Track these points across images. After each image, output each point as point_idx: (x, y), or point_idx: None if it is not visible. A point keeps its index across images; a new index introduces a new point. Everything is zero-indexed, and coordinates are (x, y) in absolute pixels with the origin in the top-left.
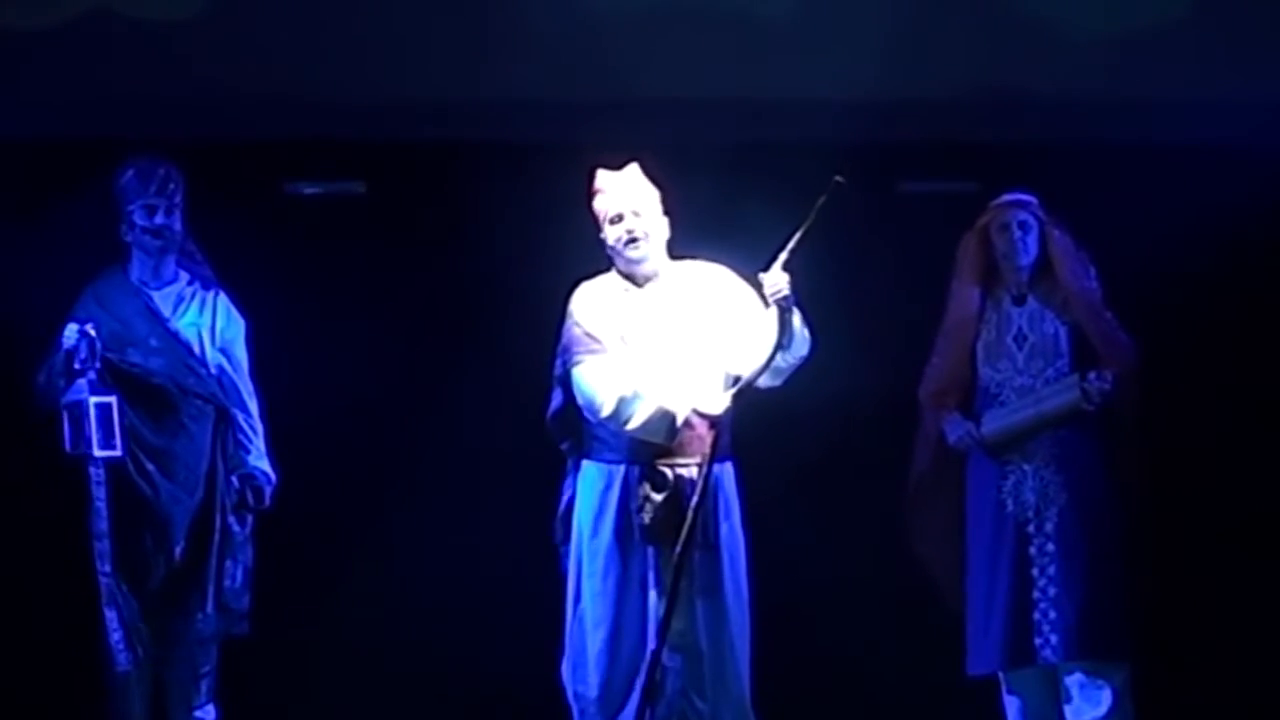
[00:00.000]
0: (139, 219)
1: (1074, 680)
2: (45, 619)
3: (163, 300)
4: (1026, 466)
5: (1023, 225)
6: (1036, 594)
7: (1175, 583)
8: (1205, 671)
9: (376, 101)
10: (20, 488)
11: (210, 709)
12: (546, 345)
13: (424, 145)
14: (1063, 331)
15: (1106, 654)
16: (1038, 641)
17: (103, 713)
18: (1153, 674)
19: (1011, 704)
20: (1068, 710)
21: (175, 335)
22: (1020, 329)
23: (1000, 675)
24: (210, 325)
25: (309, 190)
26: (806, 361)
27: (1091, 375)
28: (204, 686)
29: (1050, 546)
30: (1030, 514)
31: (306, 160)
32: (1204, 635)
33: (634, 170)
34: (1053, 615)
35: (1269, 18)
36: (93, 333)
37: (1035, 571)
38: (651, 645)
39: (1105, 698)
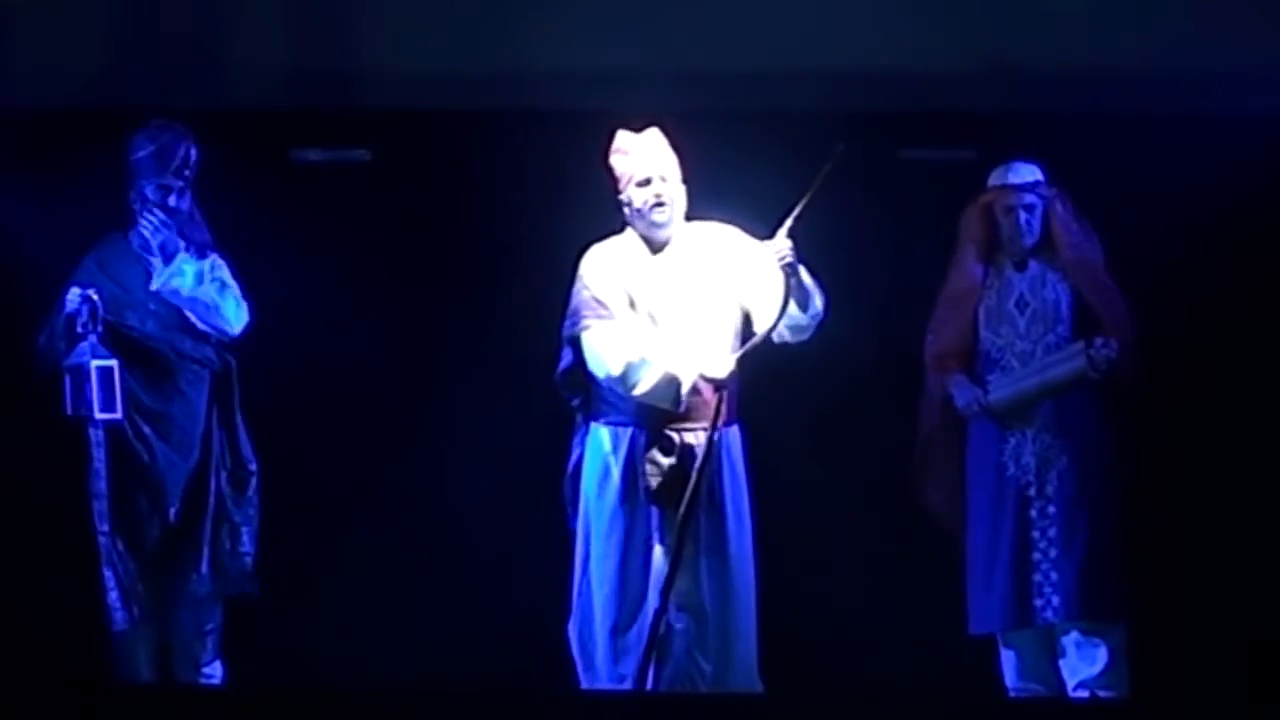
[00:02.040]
0: (151, 195)
1: (1070, 638)
2: (48, 578)
3: (163, 266)
4: (1027, 430)
5: (1028, 208)
6: (1037, 555)
7: (1171, 544)
8: (1199, 631)
9: (382, 69)
10: (19, 448)
11: (217, 665)
12: (555, 312)
13: (430, 113)
14: (1064, 297)
15: (1104, 614)
16: (1038, 603)
17: (109, 671)
18: (1147, 634)
19: (1008, 657)
20: (1062, 665)
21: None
22: (1022, 294)
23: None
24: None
25: (314, 157)
26: (819, 320)
27: (1098, 342)
28: (209, 644)
29: (1051, 509)
30: (1031, 477)
31: (312, 128)
32: (1198, 596)
33: (657, 134)
34: (1054, 577)
35: None
36: (95, 297)
37: (1036, 534)
38: (654, 605)
39: (1100, 656)
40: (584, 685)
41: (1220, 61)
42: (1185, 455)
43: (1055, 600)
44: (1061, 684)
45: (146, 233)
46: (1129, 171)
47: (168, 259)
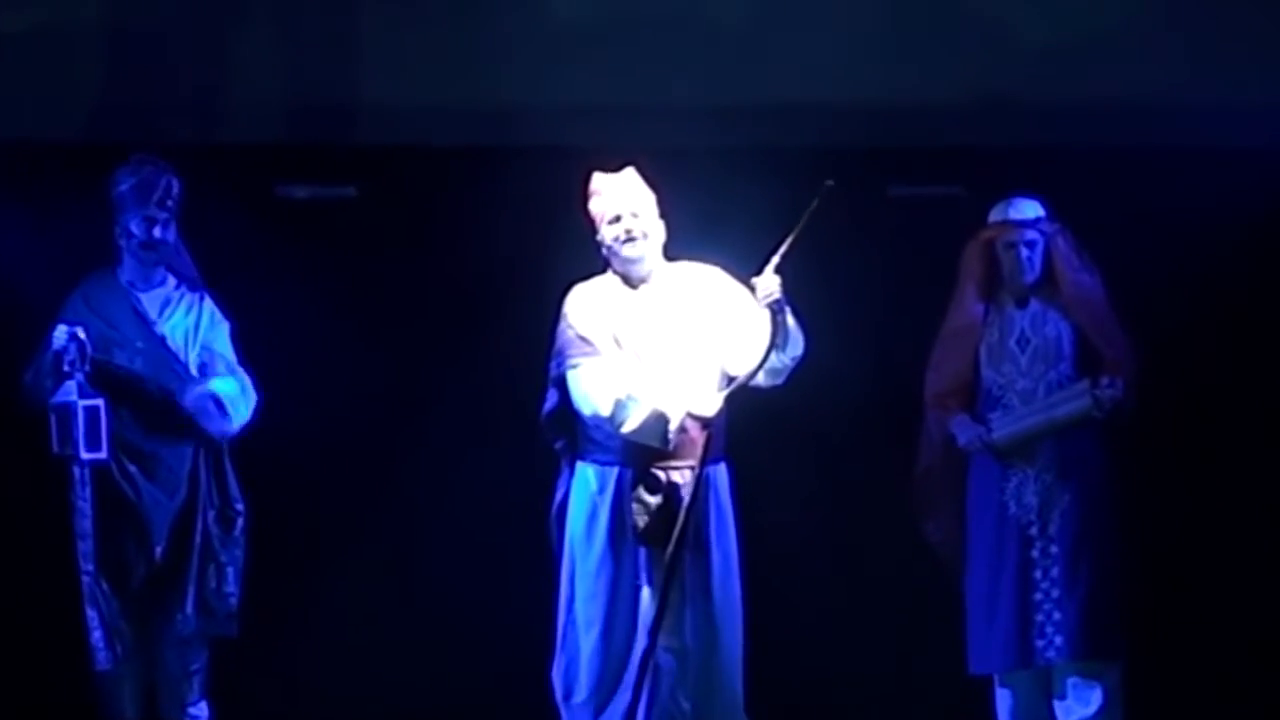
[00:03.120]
0: (136, 229)
1: (1067, 678)
2: (33, 618)
3: (150, 302)
4: (1029, 469)
5: (1029, 244)
6: (1039, 595)
7: (1170, 583)
8: (1195, 671)
9: (368, 105)
10: (3, 486)
11: (203, 706)
12: (540, 349)
13: (415, 149)
14: (1065, 334)
15: (1104, 654)
16: (1039, 643)
17: (93, 712)
18: (1146, 674)
19: (1003, 698)
20: (1059, 707)
21: (161, 339)
22: (1023, 331)
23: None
24: (194, 327)
25: (300, 193)
26: (801, 361)
27: (1104, 382)
28: (195, 684)
29: (1053, 549)
30: (1033, 516)
31: (298, 163)
32: (1199, 637)
33: (631, 173)
34: (1056, 617)
35: (1260, 21)
36: (82, 335)
37: (1038, 574)
38: (642, 646)
39: (1096, 697)
40: None
41: (1215, 96)
42: (1188, 493)
43: (1058, 640)
44: None
45: (130, 264)
46: (1120, 206)
47: (151, 287)
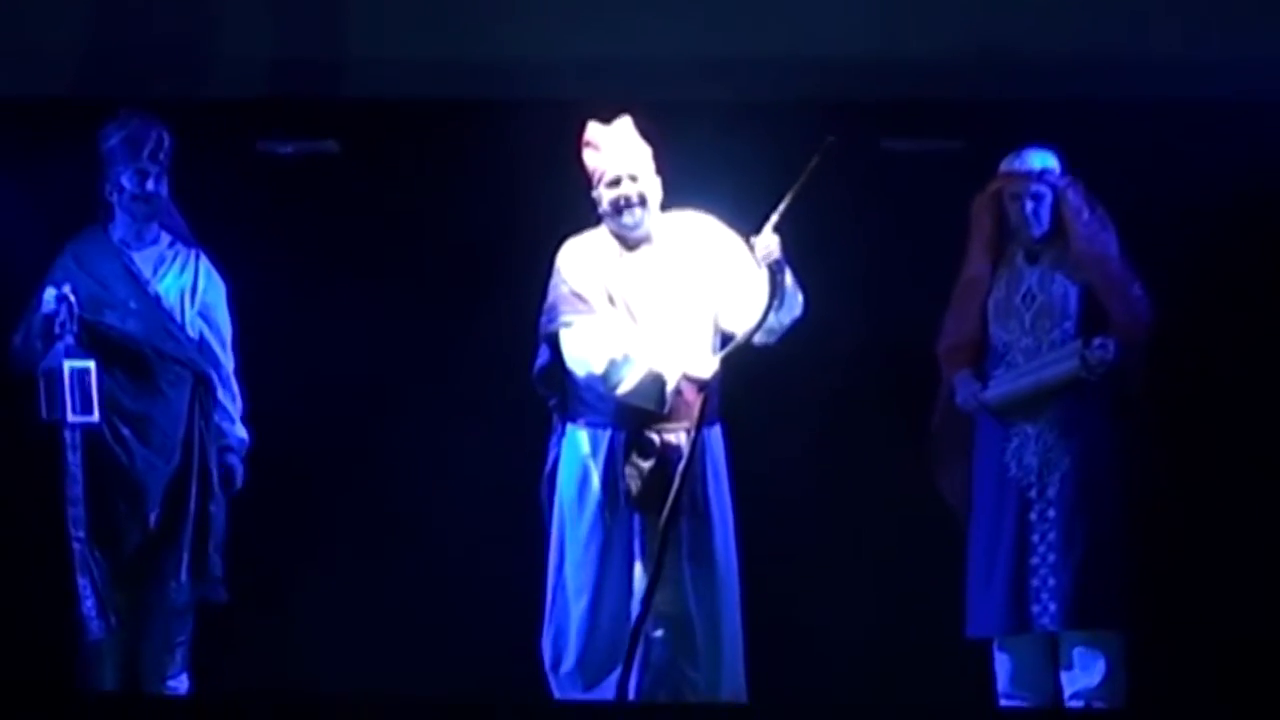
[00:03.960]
0: (128, 183)
1: (1072, 648)
2: (18, 586)
3: (143, 261)
4: (1030, 429)
5: (1036, 196)
6: (1035, 560)
7: (1174, 554)
8: (1199, 643)
9: (351, 59)
10: None
11: (184, 678)
12: (532, 305)
13: (399, 103)
14: (1072, 292)
15: (1103, 623)
16: (1035, 609)
17: (73, 681)
18: (1146, 645)
19: (1002, 662)
20: (1064, 677)
21: (156, 299)
22: (1030, 288)
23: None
24: (191, 288)
25: (282, 149)
26: (799, 321)
27: (1095, 343)
28: (178, 656)
29: (1051, 512)
30: (1033, 478)
31: (279, 118)
32: (1200, 607)
33: (627, 126)
34: (1051, 582)
35: None
36: (72, 297)
37: (1035, 537)
38: (634, 615)
39: (1100, 667)
40: (557, 696)
41: (1217, 48)
42: (1194, 461)
43: (1052, 607)
44: (1058, 694)
45: (122, 220)
46: (1116, 160)
47: (144, 245)
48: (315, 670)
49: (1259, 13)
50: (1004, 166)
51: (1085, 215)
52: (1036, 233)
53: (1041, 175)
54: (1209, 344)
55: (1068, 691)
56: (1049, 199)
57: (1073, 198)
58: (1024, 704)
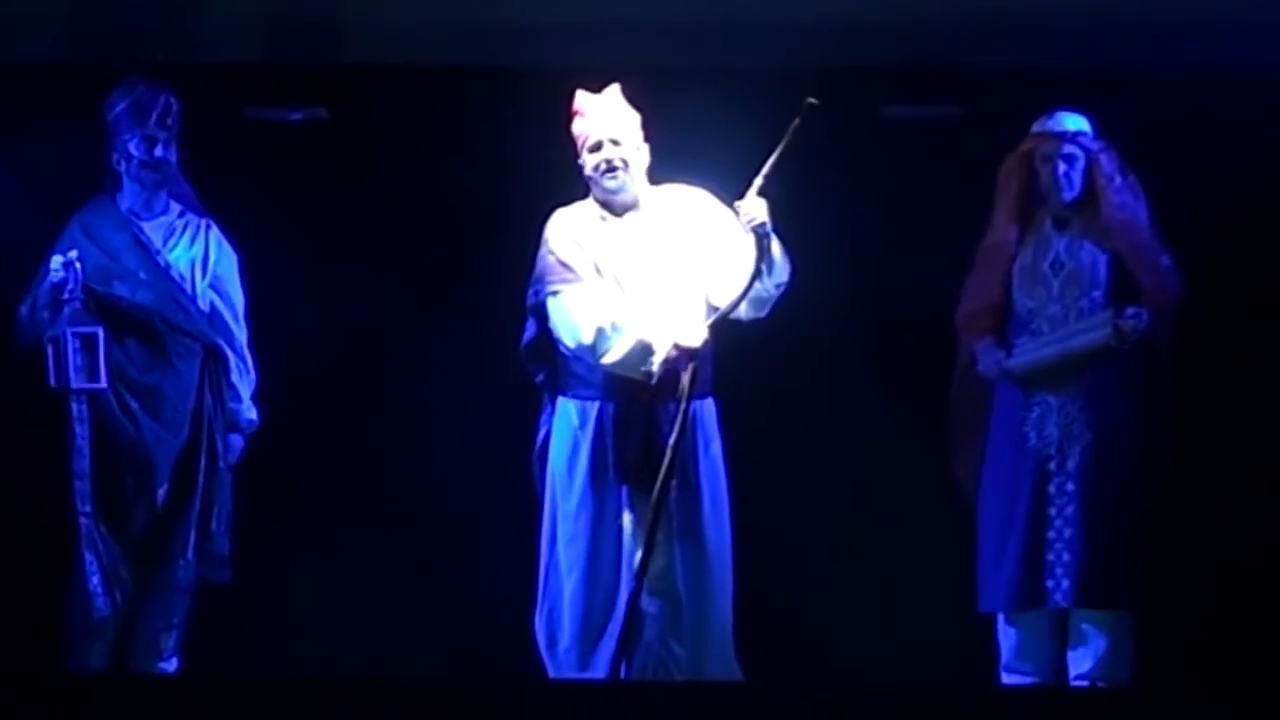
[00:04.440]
0: (136, 150)
1: (1080, 625)
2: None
3: (153, 231)
4: (1053, 400)
5: (1068, 158)
6: (1052, 534)
7: (1192, 535)
8: (1210, 626)
9: (340, 25)
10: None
11: (174, 661)
12: (521, 274)
13: (390, 70)
14: (1101, 260)
15: (1116, 603)
16: (1049, 584)
17: (61, 656)
18: (1159, 624)
19: (1007, 635)
20: (1070, 656)
21: (166, 269)
22: (1058, 255)
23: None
24: (202, 259)
25: (270, 115)
26: (786, 289)
27: (1129, 312)
28: (173, 638)
29: (1070, 485)
30: (1053, 450)
31: (268, 84)
32: (1213, 590)
33: (614, 93)
34: (1066, 558)
35: None
36: (78, 264)
37: (1052, 510)
38: (627, 590)
39: (1107, 646)
40: (551, 675)
41: (1229, 11)
42: (1219, 438)
43: (1066, 584)
44: (1062, 670)
45: (130, 189)
46: (1123, 127)
47: (154, 215)
48: (305, 651)
49: None
50: (1036, 127)
51: (1117, 181)
52: (1068, 196)
53: (1075, 137)
54: (1236, 318)
55: (1073, 670)
56: (1082, 161)
57: (1105, 163)
58: (1027, 677)
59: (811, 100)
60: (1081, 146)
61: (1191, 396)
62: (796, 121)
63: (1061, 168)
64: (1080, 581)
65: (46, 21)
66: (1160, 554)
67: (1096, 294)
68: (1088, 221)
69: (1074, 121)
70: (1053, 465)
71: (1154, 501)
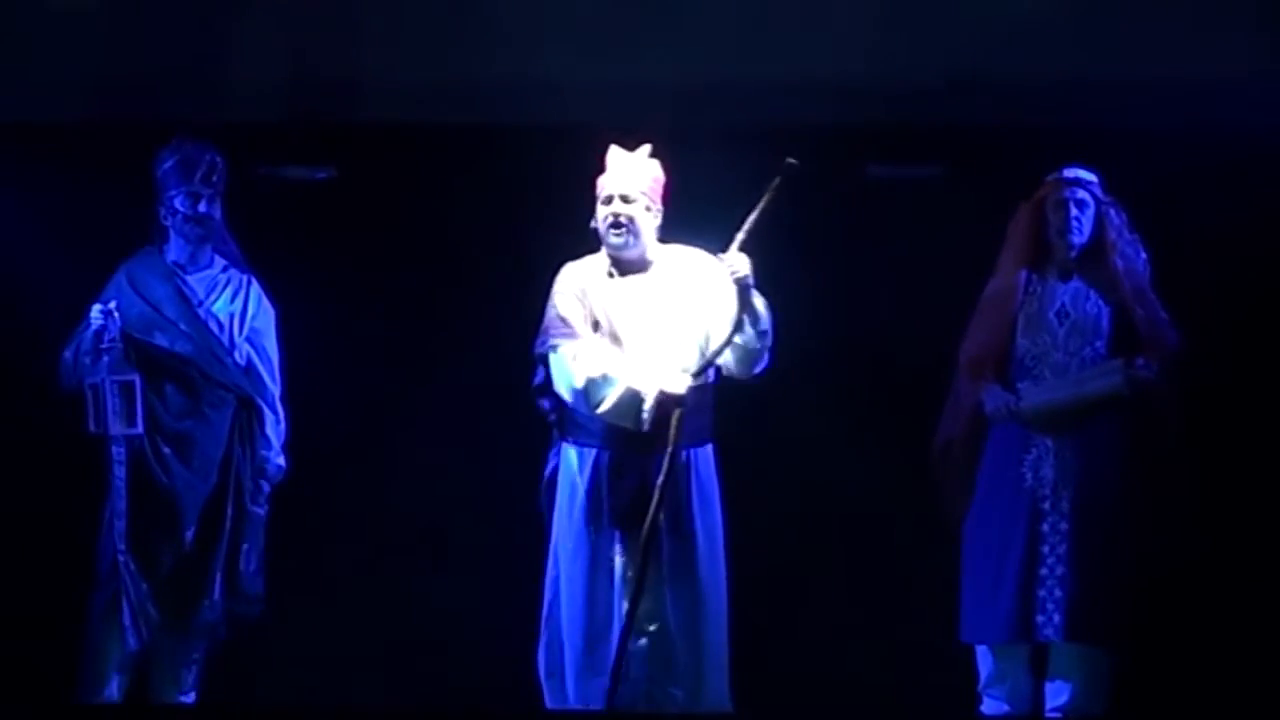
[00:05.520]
0: (181, 205)
1: (1060, 659)
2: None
3: (196, 284)
4: (1050, 442)
5: (1080, 204)
6: (1044, 571)
7: (1184, 576)
8: (1196, 665)
9: (351, 83)
10: (40, 466)
11: (192, 695)
12: (530, 325)
13: (400, 128)
14: (1105, 312)
15: (1101, 639)
16: (1039, 619)
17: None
18: (1141, 662)
19: (986, 663)
20: (1048, 688)
21: (205, 322)
22: (1063, 305)
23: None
24: (241, 313)
25: (280, 173)
26: (774, 344)
27: (1139, 362)
28: (192, 673)
29: (1064, 525)
30: (1048, 490)
31: (278, 143)
32: (1202, 629)
33: (641, 152)
34: (1058, 594)
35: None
36: (116, 313)
37: (1045, 548)
38: (618, 629)
39: (1084, 680)
40: (549, 705)
41: (1203, 71)
42: (1214, 487)
43: (1057, 619)
44: (1039, 704)
45: (177, 243)
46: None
47: (199, 269)
48: (313, 682)
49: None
50: (1049, 176)
51: (1127, 235)
52: (1077, 240)
53: (1088, 185)
54: (1231, 371)
55: (1050, 703)
56: (1092, 209)
57: (1114, 215)
58: (1002, 702)
59: (791, 160)
60: (1093, 195)
61: (1188, 445)
62: (777, 180)
63: (1073, 211)
64: (1070, 618)
65: (77, 86)
66: (1150, 594)
67: (1099, 344)
68: (1092, 273)
69: (1086, 174)
70: (1047, 505)
71: (1146, 543)
